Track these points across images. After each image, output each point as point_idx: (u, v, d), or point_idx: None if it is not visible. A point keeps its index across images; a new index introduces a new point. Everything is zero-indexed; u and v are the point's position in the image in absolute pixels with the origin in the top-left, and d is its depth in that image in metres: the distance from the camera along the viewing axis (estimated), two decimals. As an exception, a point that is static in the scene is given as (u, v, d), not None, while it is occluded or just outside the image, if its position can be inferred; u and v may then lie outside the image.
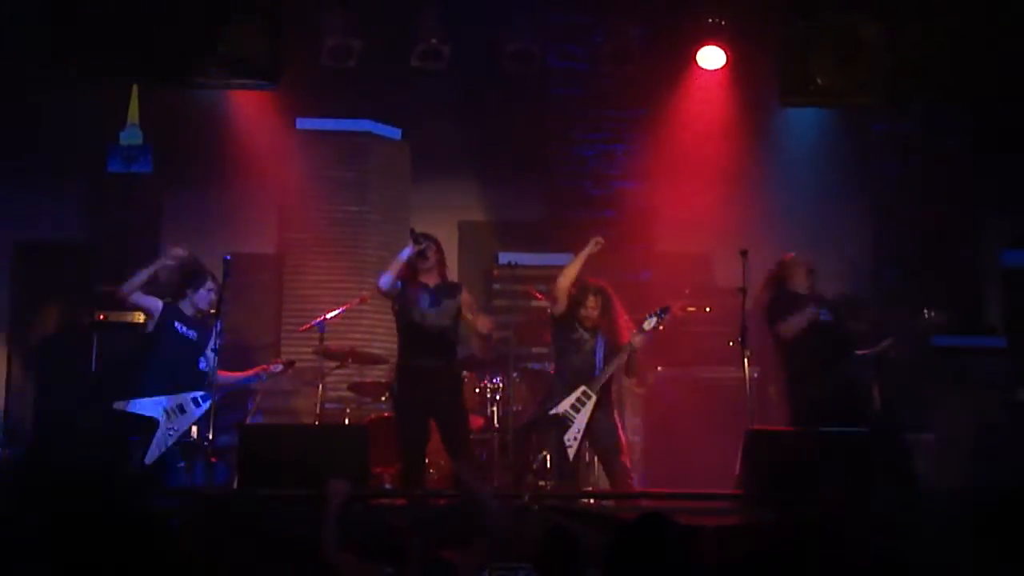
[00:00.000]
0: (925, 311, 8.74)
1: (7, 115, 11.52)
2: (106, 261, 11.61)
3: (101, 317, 10.94)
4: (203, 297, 9.28)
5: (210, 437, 8.84)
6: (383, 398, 10.82)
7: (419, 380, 9.01)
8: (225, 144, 11.91)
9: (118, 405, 8.96)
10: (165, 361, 9.08)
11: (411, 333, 9.10)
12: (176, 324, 9.19)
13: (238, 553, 6.74)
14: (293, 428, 10.16)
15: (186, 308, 9.30)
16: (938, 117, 12.14)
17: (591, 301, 9.16)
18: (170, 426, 8.89)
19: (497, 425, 10.12)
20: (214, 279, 9.28)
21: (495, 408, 10.22)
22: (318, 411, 10.18)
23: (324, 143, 12.37)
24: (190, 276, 9.40)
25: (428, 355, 9.04)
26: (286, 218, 12.45)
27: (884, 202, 12.51)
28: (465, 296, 9.21)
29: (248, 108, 11.94)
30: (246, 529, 7.17)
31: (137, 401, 8.92)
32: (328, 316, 10.32)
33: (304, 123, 12.35)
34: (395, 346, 11.85)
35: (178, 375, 9.07)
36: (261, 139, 12.03)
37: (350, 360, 10.77)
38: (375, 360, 11.10)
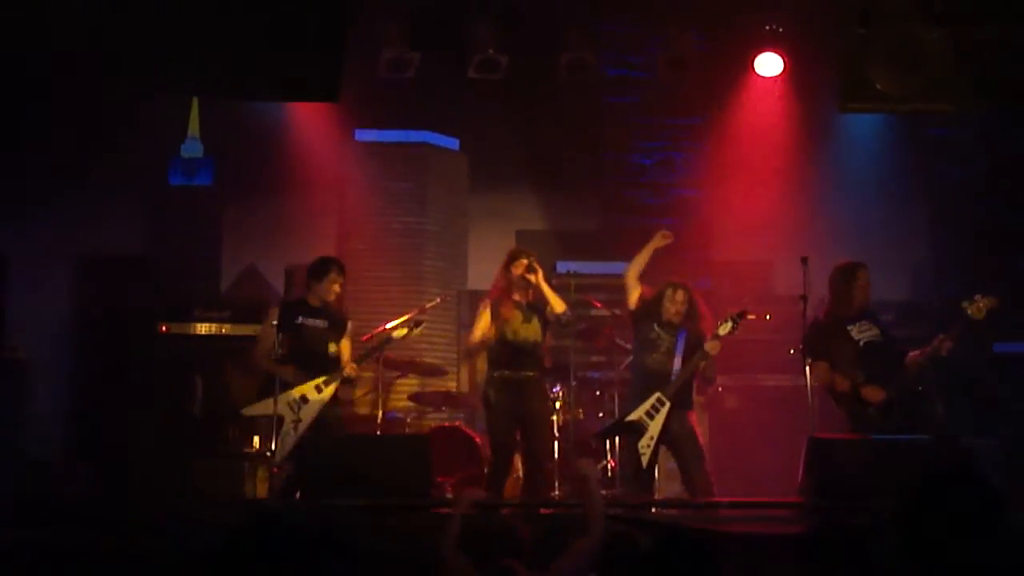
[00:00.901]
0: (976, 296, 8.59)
1: (69, 129, 11.65)
2: (169, 273, 11.73)
3: (164, 329, 11.04)
4: (326, 289, 9.34)
5: (273, 449, 8.90)
6: (443, 407, 10.87)
7: (511, 390, 9.14)
8: (285, 156, 12.01)
9: (246, 410, 9.11)
10: (291, 355, 9.09)
11: (504, 347, 9.24)
12: (299, 318, 9.23)
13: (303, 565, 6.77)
14: (355, 438, 10.18)
15: (312, 300, 9.34)
16: (998, 121, 12.03)
17: (679, 295, 9.12)
18: (295, 420, 8.95)
19: (558, 434, 10.12)
20: (339, 270, 9.39)
21: (555, 417, 10.23)
22: (379, 421, 10.21)
23: (382, 154, 12.43)
24: (315, 269, 9.44)
25: (520, 367, 9.19)
26: (345, 229, 12.52)
27: (944, 207, 12.43)
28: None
29: (307, 120, 12.03)
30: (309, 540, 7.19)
31: (259, 404, 9.03)
32: (388, 327, 10.36)
33: (363, 135, 12.43)
34: (454, 356, 11.98)
35: (306, 364, 9.11)
36: (320, 151, 12.12)
37: (410, 370, 10.81)
38: (435, 370, 11.14)
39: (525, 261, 9.25)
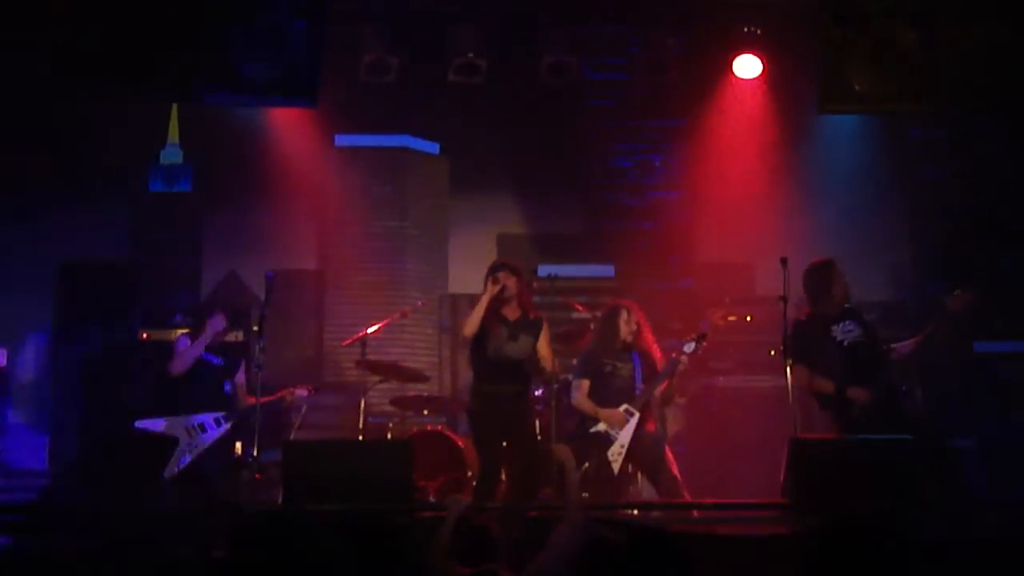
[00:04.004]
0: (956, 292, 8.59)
1: (49, 137, 11.62)
2: (149, 280, 11.71)
3: (144, 336, 11.03)
4: (216, 323, 9.52)
5: (254, 454, 8.90)
6: (425, 411, 10.85)
7: (494, 404, 9.01)
8: (265, 162, 11.98)
9: (141, 424, 9.36)
10: (189, 385, 9.42)
11: (485, 363, 9.02)
12: (202, 354, 9.50)
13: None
14: (337, 443, 10.17)
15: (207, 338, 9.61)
16: (977, 122, 12.07)
17: (634, 317, 9.15)
18: (189, 443, 9.25)
19: (539, 437, 10.12)
20: (223, 309, 9.60)
21: (537, 420, 10.22)
22: (361, 426, 10.20)
23: (363, 159, 12.41)
24: (204, 311, 9.78)
25: (502, 383, 9.02)
26: (326, 234, 12.51)
27: (923, 208, 12.45)
28: (544, 336, 9.14)
29: (287, 126, 12.00)
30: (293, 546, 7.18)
31: (158, 420, 9.33)
32: (369, 331, 10.35)
33: (343, 139, 12.40)
34: (436, 359, 11.97)
35: (202, 398, 9.42)
36: (300, 156, 12.09)
37: (392, 374, 10.80)
38: (417, 374, 11.12)
39: (502, 277, 9.01)
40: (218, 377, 9.52)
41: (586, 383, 9.21)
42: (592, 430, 9.00)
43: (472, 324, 8.94)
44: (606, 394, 9.12)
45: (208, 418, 9.32)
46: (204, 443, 9.26)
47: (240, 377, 9.63)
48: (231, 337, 10.00)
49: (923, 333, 8.66)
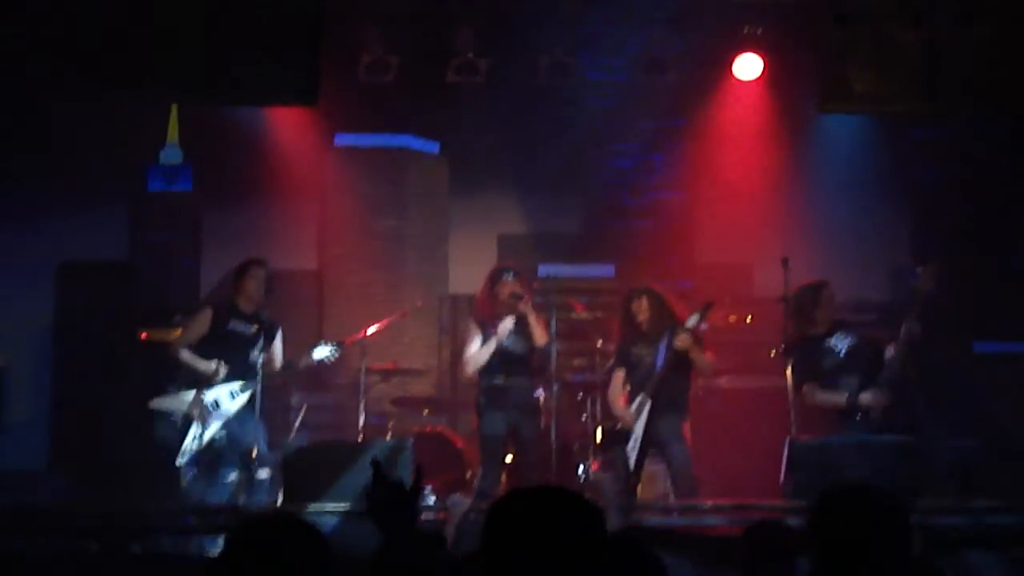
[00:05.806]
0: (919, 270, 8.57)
1: (47, 136, 11.61)
2: (148, 280, 11.70)
3: (144, 336, 11.02)
4: (255, 284, 9.27)
5: (254, 454, 8.88)
6: (425, 411, 10.85)
7: (502, 399, 9.12)
8: (264, 161, 11.96)
9: (153, 403, 9.03)
10: (216, 353, 9.12)
11: (494, 358, 9.25)
12: (229, 324, 9.23)
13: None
14: (337, 444, 10.18)
15: (243, 304, 9.31)
16: (977, 122, 12.05)
17: (643, 303, 9.13)
18: (202, 423, 8.88)
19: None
20: (259, 264, 9.30)
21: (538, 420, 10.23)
22: (361, 426, 10.20)
23: (362, 159, 12.39)
24: (239, 270, 9.44)
25: (511, 376, 9.23)
26: (325, 234, 12.50)
27: (924, 208, 12.44)
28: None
29: (286, 125, 11.98)
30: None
31: (169, 398, 8.99)
32: (369, 331, 10.34)
33: (342, 139, 12.38)
34: (436, 360, 11.96)
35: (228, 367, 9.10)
36: (300, 156, 12.08)
37: (392, 374, 10.80)
38: (417, 374, 11.13)
39: (509, 286, 9.18)
40: (246, 346, 9.12)
41: (619, 374, 9.30)
42: (618, 427, 9.06)
43: (477, 364, 9.13)
44: (631, 384, 9.19)
45: (223, 391, 9.00)
46: (219, 419, 8.92)
47: (273, 347, 9.34)
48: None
49: (904, 324, 8.63)
